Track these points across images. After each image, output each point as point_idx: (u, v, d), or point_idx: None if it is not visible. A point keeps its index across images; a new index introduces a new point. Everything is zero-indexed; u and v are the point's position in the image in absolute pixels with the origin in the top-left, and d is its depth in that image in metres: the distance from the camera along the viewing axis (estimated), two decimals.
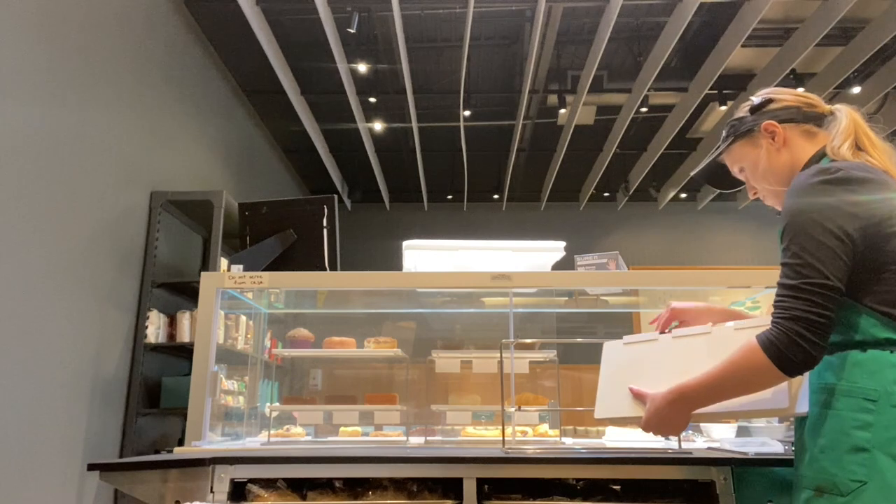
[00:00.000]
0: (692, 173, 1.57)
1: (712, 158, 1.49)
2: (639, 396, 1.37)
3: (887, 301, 1.14)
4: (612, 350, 1.52)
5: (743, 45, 4.53)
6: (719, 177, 1.52)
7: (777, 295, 1.15)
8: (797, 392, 1.21)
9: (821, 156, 1.29)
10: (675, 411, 1.27)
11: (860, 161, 1.21)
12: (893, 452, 1.06)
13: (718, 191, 1.65)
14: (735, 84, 5.33)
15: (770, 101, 1.39)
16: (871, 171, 1.18)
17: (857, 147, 1.25)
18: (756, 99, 1.41)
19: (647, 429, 1.32)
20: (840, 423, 1.12)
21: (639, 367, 1.43)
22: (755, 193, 1.43)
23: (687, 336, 1.41)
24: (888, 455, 1.06)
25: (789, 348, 1.10)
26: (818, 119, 1.34)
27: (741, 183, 1.51)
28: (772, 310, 1.18)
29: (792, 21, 4.66)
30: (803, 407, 1.21)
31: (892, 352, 1.12)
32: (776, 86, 5.77)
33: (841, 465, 1.10)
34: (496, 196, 7.90)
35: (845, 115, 1.31)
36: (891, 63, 4.96)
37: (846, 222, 1.14)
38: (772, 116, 1.36)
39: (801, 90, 1.41)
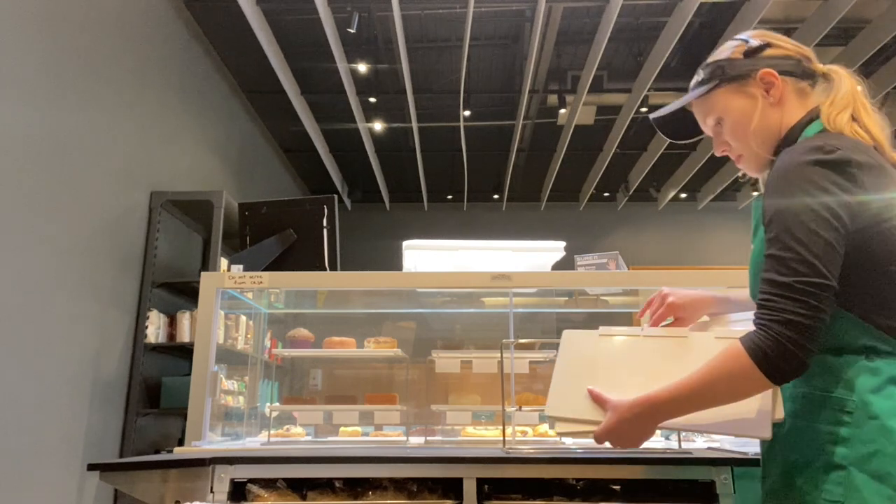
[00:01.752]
0: (651, 116, 1.35)
1: (685, 102, 1.26)
2: (598, 401, 1.17)
3: (867, 304, 1.01)
4: (573, 340, 1.34)
5: None
6: (677, 124, 1.32)
7: (764, 292, 0.99)
8: (775, 418, 1.06)
9: (810, 120, 1.13)
10: (640, 424, 1.09)
11: (856, 138, 1.07)
12: (872, 470, 0.95)
13: (675, 141, 1.41)
14: None
15: (769, 45, 1.19)
16: (869, 154, 1.05)
17: (852, 118, 1.11)
18: (753, 40, 1.19)
19: (602, 439, 1.13)
20: (814, 436, 1.01)
21: (600, 364, 1.26)
22: (725, 151, 1.23)
23: (659, 337, 1.25)
24: (867, 473, 0.95)
25: (781, 355, 0.95)
26: (812, 77, 1.18)
27: (696, 133, 1.31)
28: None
29: (792, 21, 4.66)
30: (780, 413, 1.07)
31: (868, 358, 1.01)
32: None
33: (816, 484, 0.99)
34: (496, 196, 7.90)
35: (845, 80, 1.16)
36: (891, 63, 4.96)
37: (843, 211, 0.99)
38: (770, 65, 1.16)
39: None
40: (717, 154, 1.25)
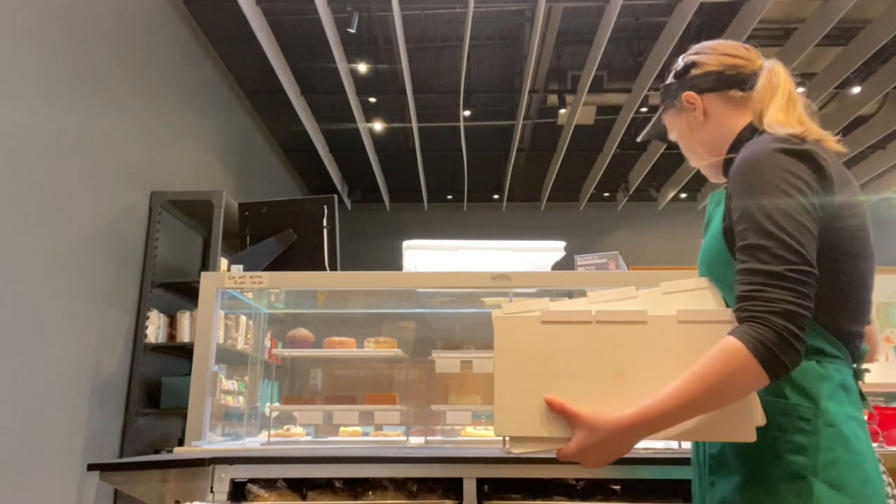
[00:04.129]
0: (638, 139, 1.45)
1: (651, 124, 1.33)
2: (563, 413, 0.98)
3: (821, 304, 0.97)
4: (511, 329, 1.06)
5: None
6: (664, 128, 1.34)
7: (751, 283, 0.93)
8: (757, 421, 0.97)
9: (752, 130, 1.12)
10: (624, 443, 0.96)
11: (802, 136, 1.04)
12: (831, 479, 0.92)
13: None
14: None
15: (693, 65, 1.21)
16: (825, 150, 1.03)
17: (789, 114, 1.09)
18: (680, 62, 1.24)
19: (570, 458, 0.98)
20: (771, 444, 0.96)
21: (549, 360, 1.03)
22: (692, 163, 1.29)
23: (615, 323, 1.03)
24: (825, 483, 0.92)
25: (783, 350, 0.89)
26: (741, 82, 1.16)
27: None
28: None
29: (792, 21, 4.66)
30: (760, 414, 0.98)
31: (818, 363, 0.98)
32: None
33: (776, 495, 0.94)
34: (496, 196, 7.90)
35: (772, 74, 1.14)
36: (891, 63, 4.96)
37: (816, 200, 0.97)
38: (691, 86, 1.20)
39: (732, 42, 1.23)
40: (691, 164, 1.30)
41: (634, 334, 1.02)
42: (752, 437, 0.95)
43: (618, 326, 1.03)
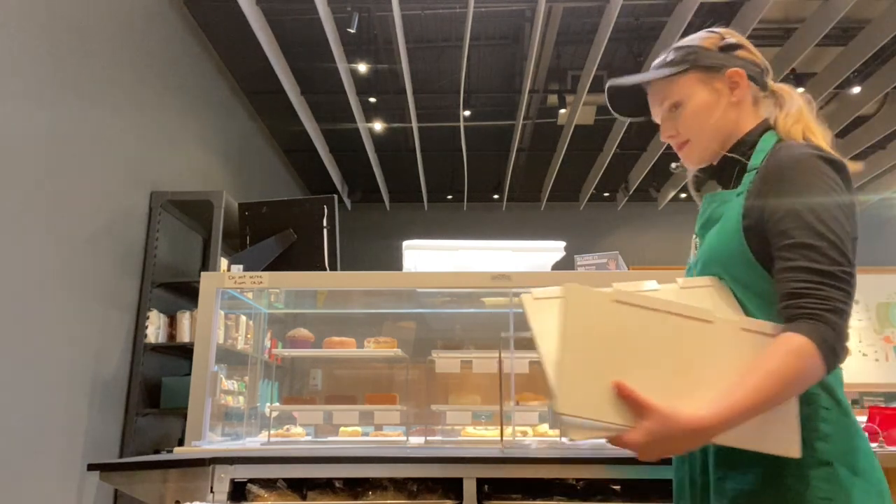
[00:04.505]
0: (609, 82, 1.27)
1: (648, 78, 1.21)
2: (631, 400, 0.94)
3: None
4: (580, 302, 0.99)
5: None
6: (628, 100, 1.28)
7: (803, 281, 0.94)
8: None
9: (764, 129, 1.14)
10: (698, 440, 0.94)
11: None
12: (853, 466, 0.96)
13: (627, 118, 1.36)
14: None
15: (741, 46, 1.18)
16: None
17: (804, 134, 1.10)
18: (728, 37, 1.18)
19: (632, 446, 0.94)
20: (802, 433, 0.97)
21: (616, 343, 0.98)
22: (671, 138, 1.20)
23: (684, 317, 1.00)
24: (848, 469, 0.96)
25: (840, 347, 0.92)
26: (766, 90, 1.18)
27: (641, 114, 1.29)
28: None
29: (792, 21, 4.66)
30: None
31: None
32: None
33: (806, 481, 0.95)
34: (496, 196, 7.90)
35: (795, 98, 1.15)
36: (891, 63, 4.96)
37: (852, 210, 1.00)
38: (740, 65, 1.15)
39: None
40: (663, 139, 1.21)
41: (698, 332, 1.00)
42: (797, 453, 0.94)
43: (685, 321, 1.00)
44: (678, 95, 1.17)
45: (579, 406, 0.94)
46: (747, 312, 1.05)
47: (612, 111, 1.33)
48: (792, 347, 0.91)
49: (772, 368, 0.91)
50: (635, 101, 1.27)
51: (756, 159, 1.10)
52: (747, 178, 1.09)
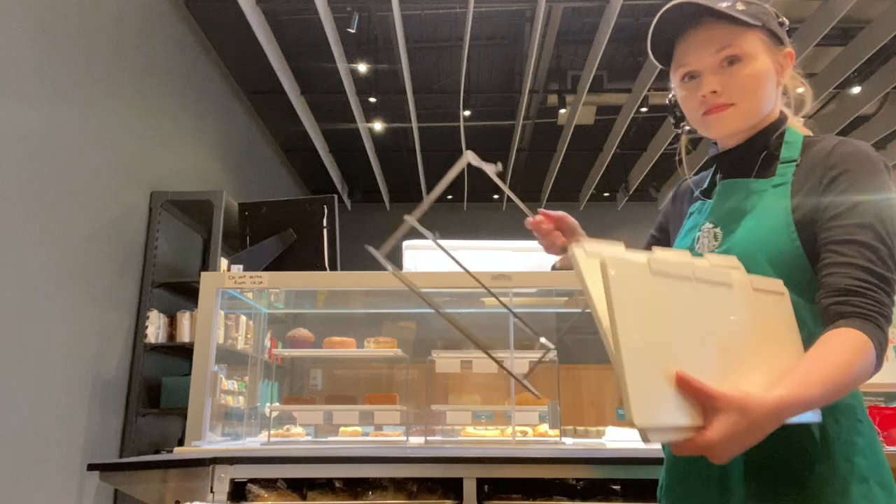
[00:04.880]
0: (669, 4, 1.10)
1: (721, 7, 1.02)
2: (699, 393, 0.77)
3: None
4: (625, 279, 0.79)
5: None
6: (672, 27, 1.12)
7: (860, 280, 0.89)
8: None
9: (782, 121, 1.06)
10: (772, 425, 0.80)
11: None
12: (884, 481, 0.92)
13: (659, 66, 1.19)
14: None
15: (789, 33, 1.09)
16: None
17: None
18: (784, 18, 1.09)
19: (712, 447, 0.77)
20: (842, 447, 0.91)
21: (662, 324, 0.80)
22: (714, 95, 1.02)
23: (710, 283, 0.87)
24: (880, 485, 0.91)
25: (884, 354, 0.88)
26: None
27: (664, 60, 1.14)
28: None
29: (792, 21, 4.63)
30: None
31: None
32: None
33: (850, 498, 0.89)
34: (496, 196, 7.90)
35: (809, 102, 1.11)
36: (891, 63, 4.96)
37: None
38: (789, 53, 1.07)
39: None
40: (703, 93, 1.02)
41: (723, 298, 0.88)
42: (819, 418, 0.89)
43: (711, 287, 0.87)
44: (742, 49, 1.00)
45: (653, 414, 0.76)
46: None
47: (653, 41, 1.15)
48: (859, 344, 0.85)
49: (841, 362, 0.84)
50: (669, 38, 1.13)
51: (789, 151, 1.03)
52: (785, 170, 1.01)
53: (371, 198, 7.82)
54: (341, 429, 2.18)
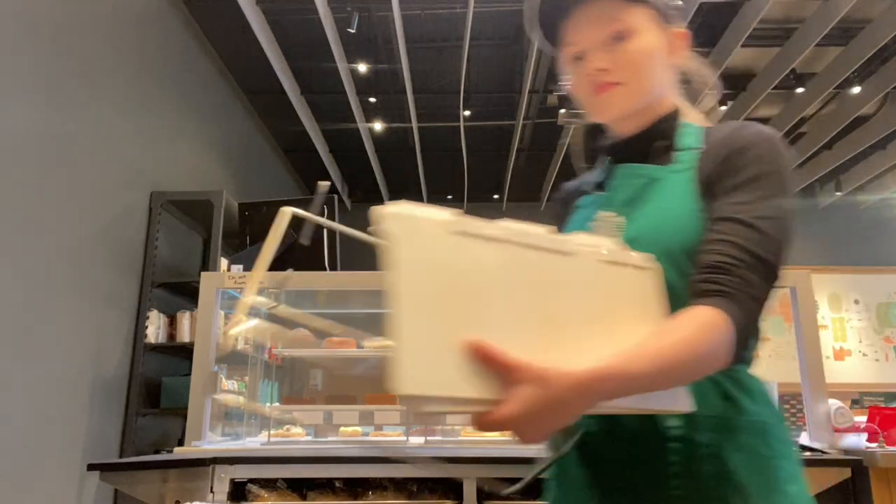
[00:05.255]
0: None
1: None
2: (494, 363, 0.66)
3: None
4: (414, 236, 0.73)
5: (743, 45, 4.53)
6: (554, 14, 1.00)
7: (730, 256, 0.81)
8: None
9: (679, 112, 0.99)
10: (583, 403, 0.70)
11: None
12: None
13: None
14: (735, 84, 5.33)
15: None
16: None
17: None
18: (681, 2, 1.03)
19: (505, 424, 0.67)
20: (778, 475, 0.84)
21: (463, 289, 0.71)
22: (601, 72, 0.94)
23: (541, 249, 0.76)
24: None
25: (746, 340, 0.80)
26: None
27: (554, 38, 1.03)
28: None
29: (792, 21, 4.66)
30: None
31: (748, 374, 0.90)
32: (776, 88, 5.65)
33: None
34: (496, 196, 7.90)
35: (710, 97, 1.06)
36: (891, 63, 4.96)
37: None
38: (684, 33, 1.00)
39: None
40: (590, 70, 0.95)
41: (558, 264, 0.77)
42: (688, 407, 0.79)
43: (544, 254, 0.76)
44: (628, 24, 0.93)
45: (428, 383, 0.65)
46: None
47: (541, 22, 1.04)
48: (707, 321, 0.76)
49: (679, 339, 0.74)
50: (555, 20, 1.01)
51: (688, 140, 0.96)
52: (685, 157, 0.94)
53: (371, 198, 7.82)
54: (341, 429, 2.18)
